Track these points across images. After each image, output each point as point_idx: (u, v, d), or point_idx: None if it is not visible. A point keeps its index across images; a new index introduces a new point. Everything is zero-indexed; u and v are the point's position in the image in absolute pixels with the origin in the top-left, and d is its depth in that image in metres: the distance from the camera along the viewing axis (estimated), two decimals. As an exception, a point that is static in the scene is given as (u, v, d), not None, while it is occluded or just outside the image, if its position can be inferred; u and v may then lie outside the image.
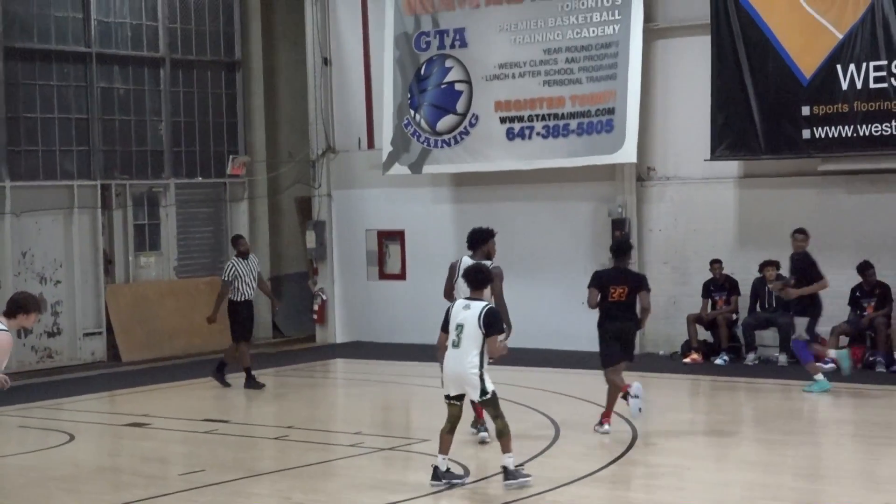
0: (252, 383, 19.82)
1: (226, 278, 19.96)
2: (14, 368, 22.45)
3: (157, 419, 17.32)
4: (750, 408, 17.86)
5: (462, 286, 14.09)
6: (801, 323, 18.05)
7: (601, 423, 15.32)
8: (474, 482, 12.66)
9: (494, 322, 12.15)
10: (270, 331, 27.30)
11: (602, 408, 15.32)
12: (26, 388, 20.66)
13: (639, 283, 15.45)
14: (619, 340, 15.23)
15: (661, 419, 16.81)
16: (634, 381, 15.19)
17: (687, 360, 20.81)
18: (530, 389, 17.63)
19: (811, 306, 18.10)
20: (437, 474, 12.12)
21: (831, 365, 18.05)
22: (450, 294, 14.99)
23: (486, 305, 12.27)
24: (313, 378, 21.86)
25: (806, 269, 17.99)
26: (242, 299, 19.99)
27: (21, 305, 11.47)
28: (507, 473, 12.18)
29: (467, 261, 14.82)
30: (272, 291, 23.24)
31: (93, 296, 23.94)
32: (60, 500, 12.50)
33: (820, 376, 17.74)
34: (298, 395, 20.63)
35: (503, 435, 12.17)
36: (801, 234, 18.36)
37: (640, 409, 15.02)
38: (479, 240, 15.10)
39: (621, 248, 15.62)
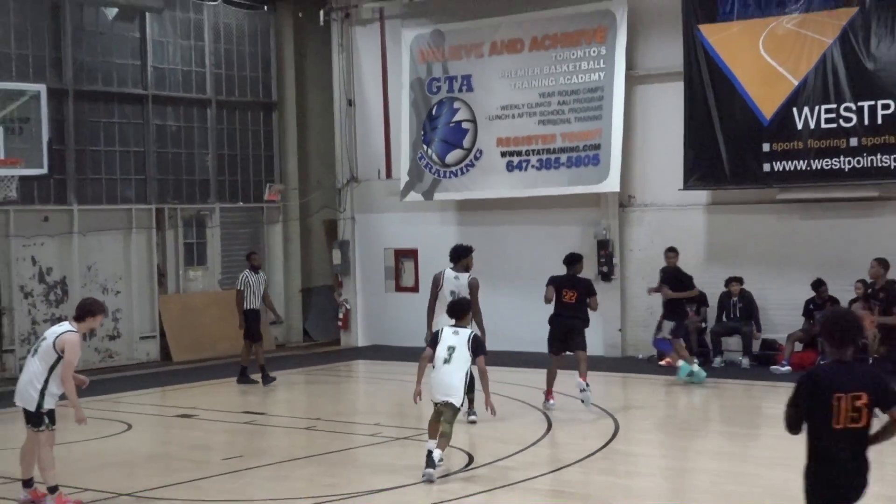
0: (245, 379, 19.99)
1: (239, 287, 20.05)
2: (79, 367, 22.53)
3: (202, 411, 17.39)
4: (717, 405, 17.89)
5: (445, 294, 15.00)
6: (667, 325, 18.70)
7: (546, 400, 16.33)
8: (474, 468, 12.71)
9: (479, 346, 12.58)
10: (301, 336, 27.37)
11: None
12: (90, 384, 20.70)
13: (587, 289, 16.48)
14: (566, 335, 16.24)
15: (640, 414, 16.86)
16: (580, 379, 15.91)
17: (662, 363, 20.84)
18: (526, 388, 17.64)
19: (677, 312, 18.70)
20: (430, 459, 12.19)
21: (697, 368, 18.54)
22: (433, 301, 15.53)
23: (472, 333, 12.65)
24: (338, 377, 21.91)
25: (679, 280, 18.45)
26: (249, 307, 20.05)
27: (89, 310, 11.57)
28: (429, 461, 12.11)
29: (449, 273, 15.61)
30: (296, 304, 23.19)
31: (148, 304, 24.04)
32: (119, 482, 12.55)
33: (681, 362, 18.45)
34: (325, 391, 20.67)
35: (445, 436, 12.26)
36: (672, 252, 18.99)
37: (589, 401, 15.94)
38: (460, 254, 15.77)
39: (572, 258, 16.69)
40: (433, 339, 12.71)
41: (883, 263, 16.17)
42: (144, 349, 23.99)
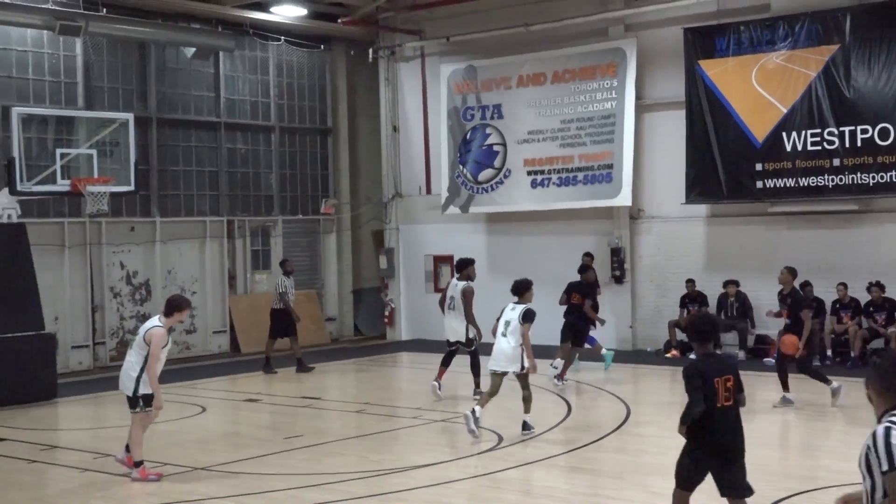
0: (268, 369, 20.06)
1: (282, 290, 20.02)
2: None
3: (266, 396, 17.33)
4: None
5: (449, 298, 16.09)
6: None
7: (559, 378, 17.29)
8: (504, 446, 12.57)
9: (527, 316, 13.11)
10: (353, 331, 27.29)
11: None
12: (169, 373, 20.69)
13: (586, 293, 18.18)
14: (569, 330, 17.81)
15: (648, 400, 16.67)
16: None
17: (668, 355, 20.63)
18: (547, 377, 17.47)
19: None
20: (474, 416, 12.85)
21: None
22: (443, 302, 16.40)
23: (524, 308, 13.24)
24: (384, 367, 21.82)
25: (591, 289, 18.67)
26: (280, 307, 20.09)
27: (176, 305, 11.58)
28: (525, 425, 13.23)
29: (454, 282, 16.26)
30: (355, 305, 23.11)
31: (220, 303, 24.02)
32: (196, 457, 12.50)
33: (604, 351, 19.24)
34: (373, 379, 20.59)
35: (527, 400, 13.19)
36: (588, 269, 18.96)
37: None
38: (463, 266, 16.42)
39: (582, 268, 18.75)
40: (498, 317, 13.48)
41: (791, 271, 15.69)
42: (217, 342, 23.97)
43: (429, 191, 25.60)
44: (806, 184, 19.68)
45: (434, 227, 25.45)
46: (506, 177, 23.46)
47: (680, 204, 21.31)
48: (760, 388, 17.22)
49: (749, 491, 7.84)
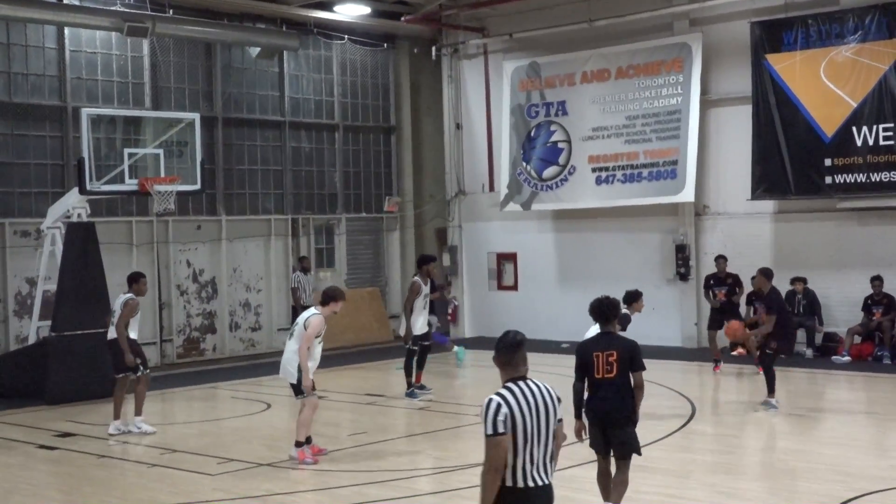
0: None
1: (294, 285, 20.48)
2: (227, 355, 22.85)
3: (331, 393, 17.42)
4: (783, 390, 17.30)
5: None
6: (433, 320, 19.06)
7: None
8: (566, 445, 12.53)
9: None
10: (416, 328, 27.32)
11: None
12: (235, 370, 20.94)
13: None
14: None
15: (714, 398, 16.51)
16: None
17: (734, 353, 20.42)
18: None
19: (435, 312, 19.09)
20: None
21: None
22: (410, 304, 16.35)
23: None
24: (448, 364, 21.81)
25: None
26: (303, 303, 20.31)
27: (332, 296, 11.82)
28: None
29: (418, 279, 16.45)
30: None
31: (284, 301, 24.07)
32: (260, 453, 12.61)
33: (456, 348, 19.71)
34: (437, 376, 20.58)
35: None
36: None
37: None
38: (422, 262, 16.80)
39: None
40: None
41: (766, 273, 15.43)
42: (282, 339, 23.92)
43: (492, 188, 25.57)
44: (878, 179, 19.35)
45: (497, 225, 25.41)
46: (570, 174, 23.36)
47: (746, 200, 21.07)
48: (829, 386, 17.03)
49: (629, 449, 8.85)
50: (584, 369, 8.82)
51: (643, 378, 8.83)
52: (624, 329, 12.59)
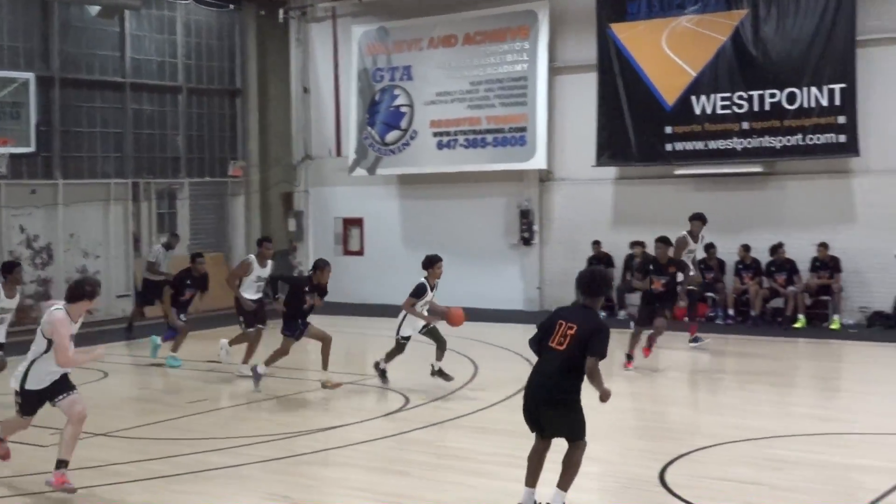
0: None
1: (152, 259, 20.04)
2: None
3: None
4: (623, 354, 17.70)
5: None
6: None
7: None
8: (412, 408, 12.49)
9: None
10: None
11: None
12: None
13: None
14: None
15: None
16: None
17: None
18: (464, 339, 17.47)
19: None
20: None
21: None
22: (233, 280, 15.98)
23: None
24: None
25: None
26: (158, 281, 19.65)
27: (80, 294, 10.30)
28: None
29: (252, 257, 16.20)
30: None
31: (123, 267, 23.53)
32: (98, 423, 12.20)
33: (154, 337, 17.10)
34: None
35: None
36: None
37: None
38: (260, 242, 16.62)
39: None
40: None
41: (665, 241, 15.67)
42: (120, 306, 23.48)
43: (339, 153, 25.38)
44: (715, 147, 19.92)
45: (344, 190, 25.27)
46: (412, 138, 23.36)
47: (590, 166, 21.41)
48: (671, 346, 17.42)
49: (563, 435, 8.05)
50: (543, 331, 8.16)
51: (596, 365, 7.82)
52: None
